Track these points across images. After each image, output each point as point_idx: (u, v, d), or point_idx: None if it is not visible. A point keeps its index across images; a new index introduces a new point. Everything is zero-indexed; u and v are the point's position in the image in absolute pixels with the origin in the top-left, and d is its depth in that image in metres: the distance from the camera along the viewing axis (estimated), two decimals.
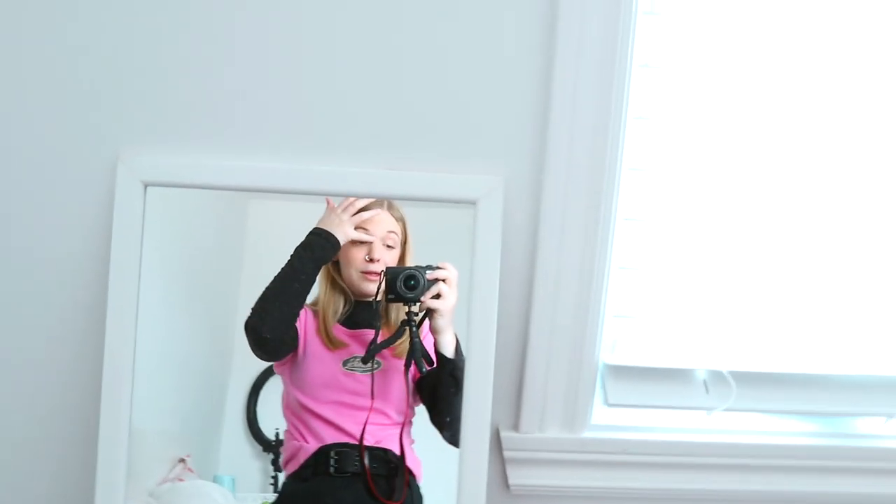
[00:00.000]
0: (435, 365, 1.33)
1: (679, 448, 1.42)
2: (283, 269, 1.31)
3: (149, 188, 1.29)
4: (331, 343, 1.34)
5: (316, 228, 1.33)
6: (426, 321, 1.34)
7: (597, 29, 1.26)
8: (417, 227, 1.37)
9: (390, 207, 1.36)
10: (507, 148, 1.33)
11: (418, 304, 1.33)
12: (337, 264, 1.36)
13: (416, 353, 1.33)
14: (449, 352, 1.33)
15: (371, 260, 1.35)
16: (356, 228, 1.34)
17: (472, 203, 1.31)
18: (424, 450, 1.37)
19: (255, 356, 1.33)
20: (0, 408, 1.38)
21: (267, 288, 1.31)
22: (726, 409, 1.43)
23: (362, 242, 1.35)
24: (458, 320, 1.33)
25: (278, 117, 1.32)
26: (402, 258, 1.37)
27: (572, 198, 1.32)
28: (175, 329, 1.40)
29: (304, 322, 1.35)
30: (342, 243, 1.33)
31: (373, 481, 1.32)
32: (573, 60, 1.27)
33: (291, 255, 1.32)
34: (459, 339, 1.33)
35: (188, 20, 1.28)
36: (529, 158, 1.33)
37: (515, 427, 1.40)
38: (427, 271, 1.33)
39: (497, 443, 1.40)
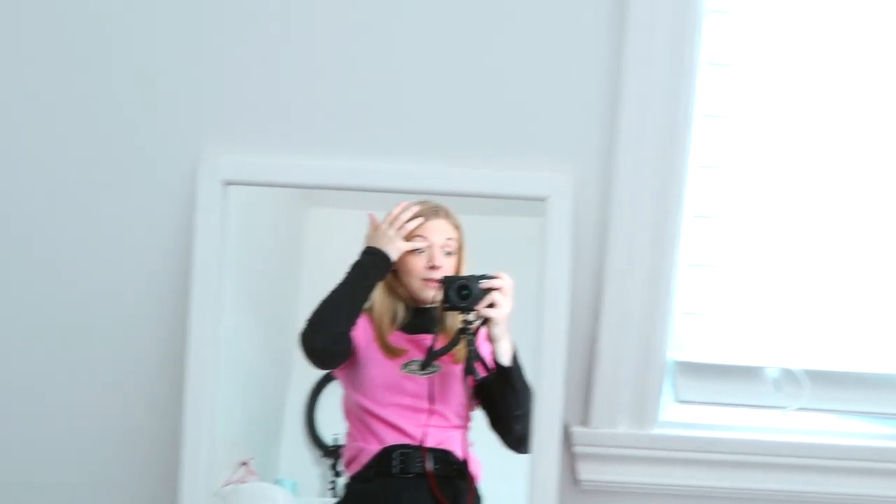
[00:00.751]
0: (492, 371, 1.34)
1: (749, 447, 1.40)
2: (338, 285, 1.33)
3: (229, 187, 1.32)
4: (388, 351, 1.35)
5: (369, 248, 1.34)
6: (483, 329, 1.34)
7: (666, 26, 1.28)
8: (478, 235, 1.38)
9: (447, 215, 1.37)
10: (576, 145, 1.34)
11: (473, 312, 1.33)
12: (395, 272, 1.36)
13: (471, 361, 1.33)
14: (505, 360, 1.34)
15: (432, 267, 1.36)
16: (410, 237, 1.35)
17: (542, 200, 1.32)
18: (481, 451, 1.37)
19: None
20: (83, 408, 1.41)
21: (321, 302, 1.32)
22: (798, 409, 1.41)
23: (421, 251, 1.36)
24: (529, 317, 1.32)
25: (351, 117, 1.34)
26: (457, 266, 1.37)
27: (641, 195, 1.33)
28: (238, 333, 1.41)
29: (362, 328, 1.35)
30: (394, 259, 1.34)
31: (436, 483, 1.33)
32: (642, 58, 1.29)
33: (347, 273, 1.33)
34: (530, 335, 1.33)
35: (266, 22, 1.32)
36: (598, 156, 1.34)
37: (585, 422, 1.40)
38: (481, 281, 1.33)
39: (566, 438, 1.40)
